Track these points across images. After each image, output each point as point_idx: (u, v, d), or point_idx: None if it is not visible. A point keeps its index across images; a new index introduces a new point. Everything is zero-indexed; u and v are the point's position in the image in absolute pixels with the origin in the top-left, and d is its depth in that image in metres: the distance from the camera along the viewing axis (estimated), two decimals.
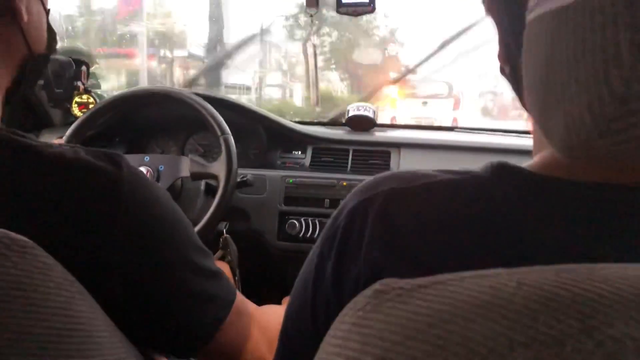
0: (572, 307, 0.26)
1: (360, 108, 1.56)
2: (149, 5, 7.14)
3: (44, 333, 0.37)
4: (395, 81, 6.87)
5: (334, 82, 8.13)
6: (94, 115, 1.24)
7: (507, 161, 0.39)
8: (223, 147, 1.15)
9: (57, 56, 1.46)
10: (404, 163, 1.40)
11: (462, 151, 1.42)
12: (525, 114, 0.43)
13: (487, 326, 0.26)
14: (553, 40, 0.32)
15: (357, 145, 1.46)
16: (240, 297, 0.62)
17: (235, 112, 1.44)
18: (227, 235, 1.20)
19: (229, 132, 1.17)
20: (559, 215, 0.35)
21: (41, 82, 1.48)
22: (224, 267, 1.15)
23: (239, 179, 1.23)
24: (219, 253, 1.18)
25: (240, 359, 0.61)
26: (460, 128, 1.70)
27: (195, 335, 0.56)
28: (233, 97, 1.55)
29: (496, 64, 0.46)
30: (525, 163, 0.40)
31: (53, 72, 1.45)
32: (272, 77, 8.50)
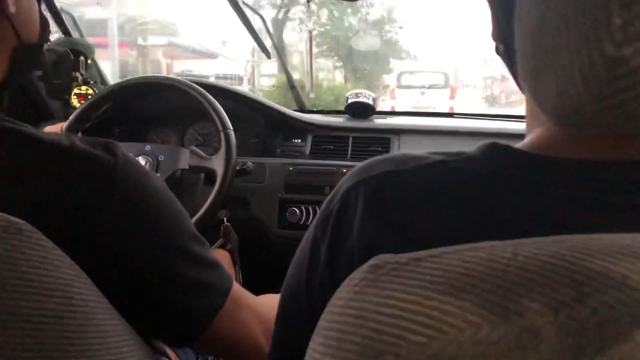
0: (566, 276, 0.26)
1: (359, 95, 1.56)
2: None
3: (43, 314, 0.38)
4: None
5: (329, 70, 8.03)
6: (94, 105, 1.24)
7: (498, 141, 0.39)
8: (223, 142, 1.15)
9: (55, 47, 1.46)
10: (404, 149, 1.40)
11: (460, 136, 1.42)
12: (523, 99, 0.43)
13: (483, 296, 0.26)
14: (544, 5, 0.32)
15: (357, 132, 1.46)
16: (237, 286, 0.62)
17: (235, 100, 1.44)
18: (228, 224, 1.20)
19: (231, 126, 1.16)
20: (549, 191, 0.36)
21: (39, 73, 1.48)
22: (225, 256, 1.15)
23: (238, 167, 1.23)
24: (220, 241, 1.18)
25: (237, 348, 0.61)
26: (459, 114, 1.70)
27: (191, 324, 0.56)
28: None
29: (491, 45, 0.46)
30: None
31: (51, 64, 1.44)
32: (266, 67, 8.22)
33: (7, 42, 0.55)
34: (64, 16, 1.62)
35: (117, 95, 1.26)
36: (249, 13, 1.57)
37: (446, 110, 7.00)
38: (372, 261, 0.31)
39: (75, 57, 1.49)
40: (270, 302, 0.70)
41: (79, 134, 1.24)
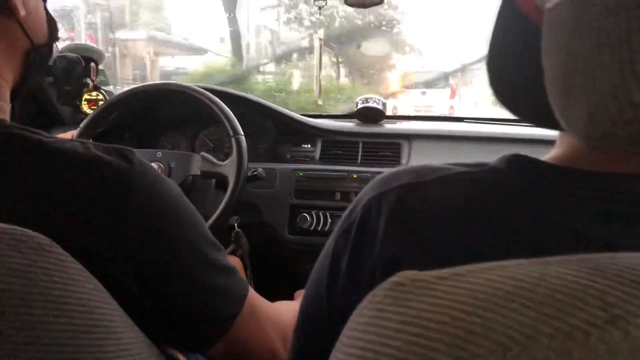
0: (595, 297, 0.25)
1: (369, 100, 1.55)
2: None
3: (64, 329, 0.38)
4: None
5: (335, 73, 8.01)
6: (105, 112, 1.24)
7: (521, 153, 0.39)
8: (235, 148, 1.15)
9: (66, 53, 1.47)
10: (415, 154, 1.39)
11: (471, 141, 1.42)
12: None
13: (510, 317, 0.26)
14: (574, 27, 0.31)
15: (367, 138, 1.46)
16: (252, 293, 0.62)
17: (244, 106, 1.44)
18: (239, 230, 1.20)
19: (242, 132, 1.17)
20: (577, 206, 0.35)
21: (50, 79, 1.48)
22: (236, 262, 1.15)
23: (249, 174, 1.23)
24: (231, 247, 1.18)
25: (253, 354, 0.61)
26: (469, 118, 1.69)
27: (209, 330, 0.56)
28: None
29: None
30: (533, 153, 0.40)
31: (62, 69, 1.45)
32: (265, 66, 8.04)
33: (19, 47, 0.55)
34: None
35: (127, 102, 1.26)
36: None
37: (446, 110, 7.43)
38: (395, 278, 0.31)
39: (86, 63, 1.50)
40: (285, 309, 0.70)
41: (90, 140, 1.25)
